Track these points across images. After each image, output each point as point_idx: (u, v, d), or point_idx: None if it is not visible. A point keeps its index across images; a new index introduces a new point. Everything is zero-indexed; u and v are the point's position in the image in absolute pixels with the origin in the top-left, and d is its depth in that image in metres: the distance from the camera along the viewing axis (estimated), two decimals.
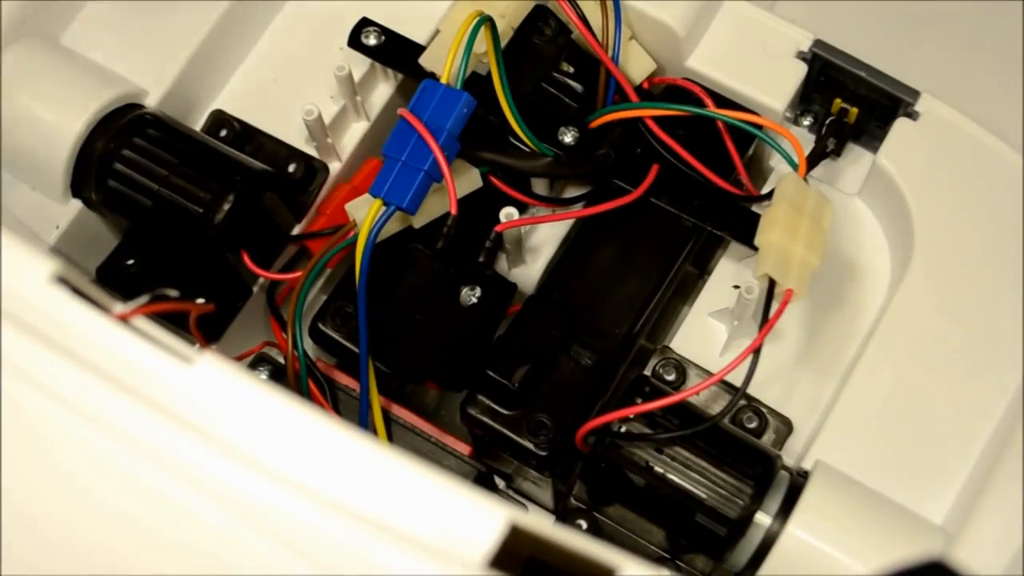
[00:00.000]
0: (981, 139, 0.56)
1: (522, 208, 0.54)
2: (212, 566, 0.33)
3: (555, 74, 0.57)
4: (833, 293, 0.57)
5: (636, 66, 0.57)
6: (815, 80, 0.58)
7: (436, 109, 0.49)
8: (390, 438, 0.51)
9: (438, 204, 0.51)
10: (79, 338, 0.34)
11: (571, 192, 0.56)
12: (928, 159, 0.56)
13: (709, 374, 0.54)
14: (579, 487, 0.53)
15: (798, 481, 0.49)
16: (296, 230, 0.57)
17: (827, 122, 0.58)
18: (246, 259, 0.53)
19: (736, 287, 0.55)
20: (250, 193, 0.53)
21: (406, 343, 0.51)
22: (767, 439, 0.53)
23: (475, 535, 0.32)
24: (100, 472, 0.34)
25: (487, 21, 0.51)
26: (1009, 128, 0.56)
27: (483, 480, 0.52)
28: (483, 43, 0.51)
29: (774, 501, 0.48)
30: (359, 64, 0.57)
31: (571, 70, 0.57)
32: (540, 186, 0.56)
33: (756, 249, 0.51)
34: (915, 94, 0.56)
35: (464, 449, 0.51)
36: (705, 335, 0.56)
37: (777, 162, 0.58)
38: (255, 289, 0.57)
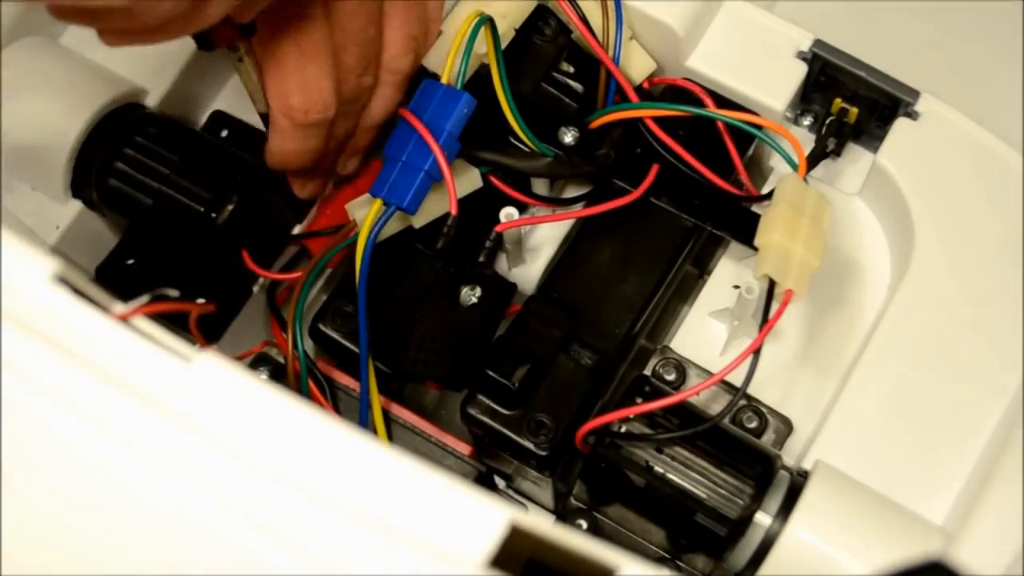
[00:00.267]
0: (981, 139, 0.56)
1: (522, 208, 0.54)
2: (212, 565, 0.33)
3: (555, 74, 0.57)
4: (833, 293, 0.57)
5: (636, 66, 0.57)
6: (815, 80, 0.58)
7: (436, 109, 0.50)
8: (390, 438, 0.51)
9: (438, 204, 0.51)
10: (79, 338, 0.34)
11: (571, 192, 0.56)
12: (928, 159, 0.56)
13: (709, 374, 0.54)
14: (579, 487, 0.53)
15: (798, 481, 0.49)
16: (296, 230, 0.57)
17: (827, 122, 0.58)
18: (247, 259, 0.53)
19: (736, 287, 0.55)
20: (253, 193, 0.53)
21: (406, 343, 0.51)
22: (767, 439, 0.53)
23: (475, 535, 0.32)
24: (100, 471, 0.34)
25: (487, 21, 0.51)
26: (1009, 128, 0.56)
27: (483, 480, 0.52)
28: (483, 43, 0.51)
29: (774, 501, 0.48)
30: None
31: (571, 70, 0.57)
32: (540, 186, 0.56)
33: (756, 249, 0.51)
34: (915, 94, 0.56)
35: (464, 449, 0.51)
36: (705, 335, 0.56)
37: (777, 162, 0.58)
38: (255, 289, 0.57)
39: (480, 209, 0.53)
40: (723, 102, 0.56)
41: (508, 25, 0.54)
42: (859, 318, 0.56)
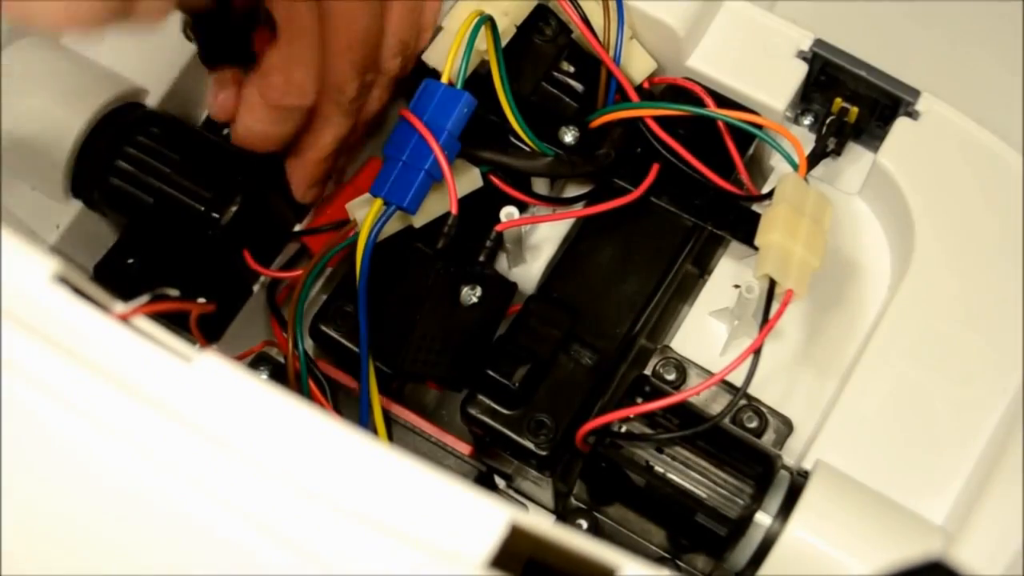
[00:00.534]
0: (981, 139, 0.56)
1: (522, 207, 0.54)
2: (212, 565, 0.33)
3: (556, 74, 0.57)
4: (833, 293, 0.57)
5: (636, 66, 0.57)
6: (815, 79, 0.58)
7: (437, 109, 0.49)
8: (390, 438, 0.51)
9: (438, 204, 0.51)
10: (79, 337, 0.34)
11: (571, 191, 0.56)
12: (928, 159, 0.56)
13: (709, 373, 0.54)
14: (579, 487, 0.53)
15: (798, 481, 0.49)
16: (296, 229, 0.57)
17: (827, 121, 0.58)
18: (248, 258, 0.53)
19: (736, 286, 0.55)
20: (255, 193, 0.53)
21: (407, 343, 0.51)
22: (767, 439, 0.53)
23: (475, 535, 0.32)
24: (100, 471, 0.34)
25: (487, 21, 0.51)
26: (1009, 128, 0.56)
27: (483, 480, 0.52)
28: (484, 41, 0.51)
29: (774, 501, 0.48)
30: None
31: (572, 70, 0.57)
32: (540, 185, 0.56)
33: (756, 249, 0.51)
34: (915, 93, 0.56)
35: (464, 449, 0.51)
36: (705, 334, 0.56)
37: (777, 161, 0.58)
38: (255, 288, 0.57)
39: (480, 209, 0.53)
40: (723, 102, 0.56)
41: (509, 22, 0.54)
42: (859, 318, 0.56)
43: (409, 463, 0.33)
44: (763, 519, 0.48)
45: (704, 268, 0.58)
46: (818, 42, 0.57)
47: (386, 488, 0.33)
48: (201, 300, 0.50)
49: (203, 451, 0.33)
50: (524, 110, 0.53)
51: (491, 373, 0.50)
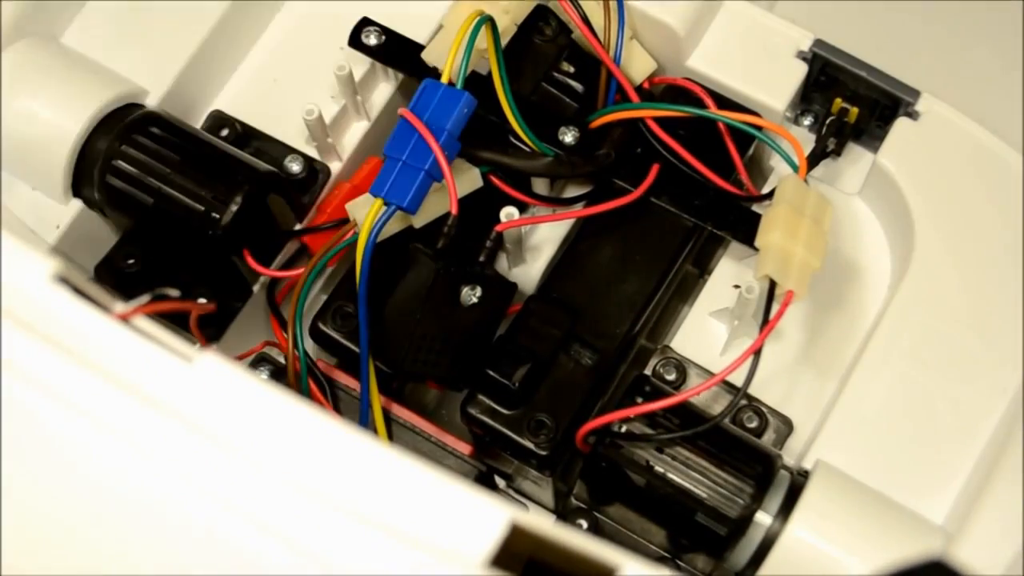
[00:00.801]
0: (981, 139, 0.56)
1: (522, 208, 0.54)
2: (212, 565, 0.33)
3: (555, 74, 0.57)
4: (833, 293, 0.57)
5: (636, 66, 0.57)
6: (815, 80, 0.58)
7: (437, 109, 0.49)
8: (390, 438, 0.51)
9: (438, 204, 0.51)
10: (80, 337, 0.34)
11: (571, 192, 0.56)
12: (928, 159, 0.56)
13: (710, 373, 0.54)
14: (580, 487, 0.53)
15: (798, 481, 0.49)
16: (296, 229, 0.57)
17: (827, 122, 0.58)
18: (248, 258, 0.53)
19: (736, 287, 0.55)
20: (256, 194, 0.53)
21: (407, 343, 0.51)
22: (767, 439, 0.53)
23: (476, 534, 0.32)
24: (100, 471, 0.34)
25: (487, 21, 0.51)
26: (1009, 128, 0.56)
27: (484, 480, 0.52)
28: (484, 40, 0.51)
29: (774, 501, 0.48)
30: (359, 63, 0.57)
31: (571, 70, 0.57)
32: (540, 186, 0.56)
33: (757, 249, 0.51)
34: (915, 94, 0.56)
35: (464, 449, 0.51)
36: (705, 335, 0.56)
37: (777, 162, 0.58)
38: (255, 288, 0.57)
39: (480, 209, 0.53)
40: (723, 102, 0.56)
41: (510, 20, 0.54)
42: (859, 318, 0.56)
43: (409, 463, 0.33)
44: (763, 519, 0.48)
45: (704, 268, 0.58)
46: (818, 42, 0.57)
47: (386, 488, 0.33)
48: (201, 300, 0.50)
49: (203, 451, 0.33)
50: (524, 110, 0.53)
51: (491, 373, 0.50)
